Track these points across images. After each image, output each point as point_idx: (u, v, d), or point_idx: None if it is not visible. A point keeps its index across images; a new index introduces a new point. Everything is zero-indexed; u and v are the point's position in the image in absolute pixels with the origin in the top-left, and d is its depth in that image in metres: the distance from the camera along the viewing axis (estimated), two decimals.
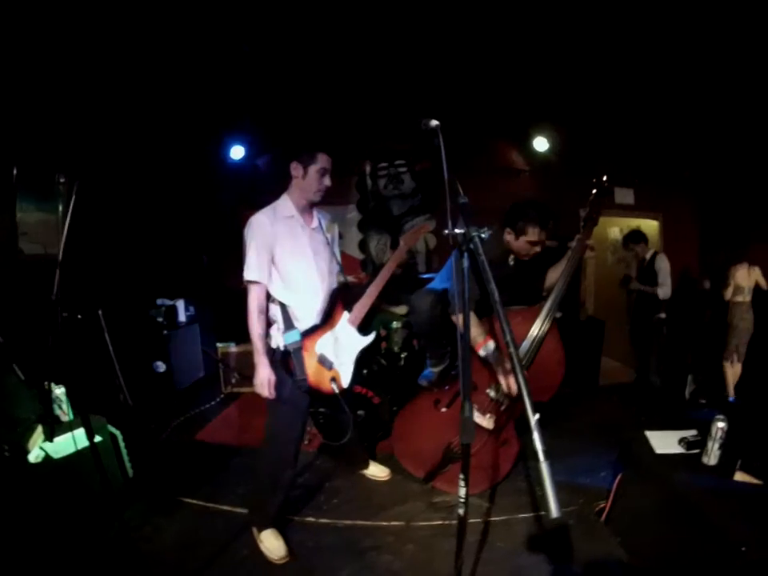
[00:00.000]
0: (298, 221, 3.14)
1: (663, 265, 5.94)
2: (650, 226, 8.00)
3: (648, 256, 6.14)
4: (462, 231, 1.70)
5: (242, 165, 7.39)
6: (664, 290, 5.88)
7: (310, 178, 3.06)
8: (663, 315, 6.03)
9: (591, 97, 6.51)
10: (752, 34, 4.87)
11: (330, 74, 6.04)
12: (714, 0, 4.50)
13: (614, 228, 8.11)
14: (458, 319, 3.50)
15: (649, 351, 6.20)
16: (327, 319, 3.24)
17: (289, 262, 3.08)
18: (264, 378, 2.97)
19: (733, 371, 5.86)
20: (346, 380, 3.31)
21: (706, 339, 6.47)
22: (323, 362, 3.17)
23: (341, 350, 3.29)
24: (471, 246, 1.67)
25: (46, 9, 4.14)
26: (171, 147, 6.51)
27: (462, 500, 1.97)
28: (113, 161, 5.70)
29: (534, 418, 1.27)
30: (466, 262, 1.72)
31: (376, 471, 4.14)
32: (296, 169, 3.08)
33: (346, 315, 3.35)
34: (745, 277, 5.83)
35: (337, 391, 3.18)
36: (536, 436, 1.25)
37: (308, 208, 3.21)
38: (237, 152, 7.26)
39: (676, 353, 7.28)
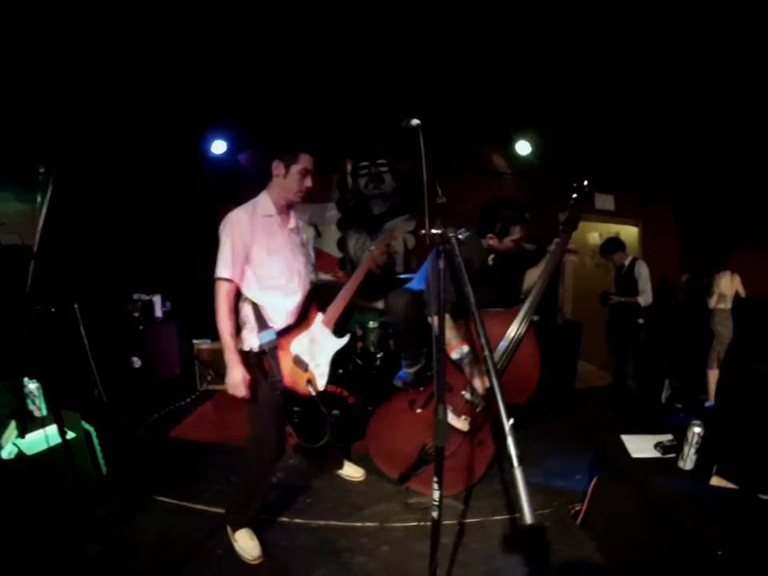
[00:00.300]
0: (276, 220, 3.10)
1: (643, 271, 5.96)
2: (629, 232, 8.07)
3: (627, 262, 6.15)
4: (440, 232, 1.68)
5: (224, 160, 7.35)
6: (645, 297, 5.91)
7: (291, 178, 3.03)
8: (641, 321, 6.06)
9: (574, 102, 6.54)
10: (730, 44, 4.94)
11: (315, 72, 6.01)
12: (691, 12, 4.53)
13: (594, 233, 8.16)
14: (434, 320, 3.52)
15: (626, 356, 6.22)
16: (302, 320, 3.21)
17: (265, 261, 3.02)
18: (238, 378, 2.92)
19: (714, 377, 5.88)
20: (321, 382, 3.25)
21: (684, 345, 6.49)
22: (299, 363, 3.13)
23: (316, 351, 3.25)
24: (448, 246, 1.65)
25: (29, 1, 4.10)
26: (152, 140, 6.46)
27: (436, 503, 1.95)
28: (93, 152, 5.65)
29: (508, 423, 1.24)
30: (441, 263, 1.71)
31: (351, 472, 4.10)
32: (277, 167, 3.04)
33: (320, 316, 3.33)
34: (728, 284, 5.89)
35: (313, 393, 3.14)
36: (510, 441, 1.23)
37: (286, 208, 3.18)
38: (218, 147, 7.21)
39: (653, 358, 7.34)
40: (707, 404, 5.90)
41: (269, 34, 5.20)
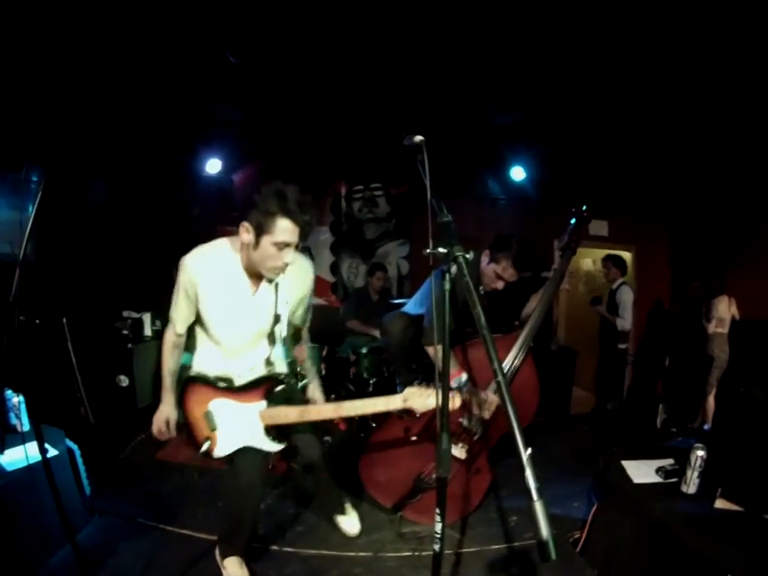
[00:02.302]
0: (240, 280, 2.64)
1: (626, 297, 6.20)
2: (623, 257, 8.01)
3: (615, 286, 6.31)
4: (446, 251, 1.59)
5: (218, 179, 7.31)
6: (621, 323, 6.14)
7: (262, 251, 2.43)
8: (625, 346, 6.30)
9: (568, 129, 6.56)
10: (721, 68, 4.96)
11: (310, 93, 6.00)
12: (683, 37, 4.55)
13: (587, 259, 8.16)
14: (431, 351, 3.47)
15: (610, 380, 6.45)
16: (240, 391, 2.77)
17: (215, 318, 2.67)
18: (163, 415, 2.79)
19: (713, 401, 5.84)
20: (220, 451, 2.76)
21: (678, 369, 6.46)
22: (208, 419, 2.75)
23: (236, 426, 2.76)
24: (454, 267, 1.58)
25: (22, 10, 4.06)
26: (146, 157, 6.42)
27: (438, 535, 1.86)
28: (86, 167, 5.64)
29: (526, 454, 1.17)
30: (448, 285, 1.64)
31: (347, 525, 3.56)
32: (246, 232, 2.44)
33: (262, 405, 2.73)
34: (726, 309, 5.90)
35: (204, 450, 2.73)
36: (528, 473, 1.15)
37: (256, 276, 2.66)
38: (213, 166, 7.14)
39: (646, 382, 7.33)
40: (705, 427, 5.87)
41: (265, 55, 5.18)
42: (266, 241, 2.38)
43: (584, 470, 4.48)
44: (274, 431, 2.74)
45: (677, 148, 6.79)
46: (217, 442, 2.75)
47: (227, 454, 2.76)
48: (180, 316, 2.70)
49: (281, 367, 2.91)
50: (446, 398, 1.72)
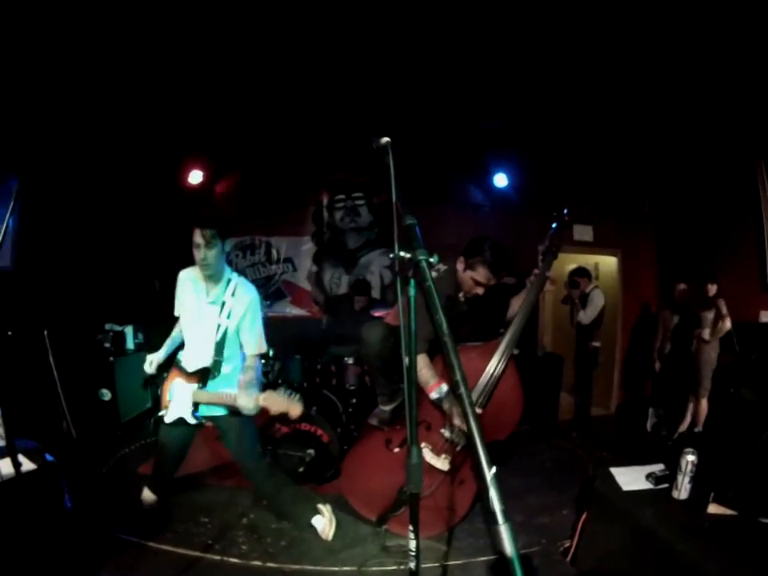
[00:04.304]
0: (201, 288, 3.40)
1: (596, 298, 6.36)
2: (608, 262, 8.07)
3: (588, 289, 6.40)
4: (408, 255, 1.53)
5: (200, 189, 7.24)
6: (581, 315, 6.35)
7: (194, 253, 3.24)
8: (597, 344, 6.40)
9: (551, 134, 6.55)
10: (703, 71, 4.98)
11: (292, 103, 5.99)
12: (662, 40, 4.54)
13: (573, 264, 8.13)
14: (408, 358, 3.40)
15: (586, 378, 6.47)
16: (186, 374, 3.44)
17: (181, 312, 3.55)
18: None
19: (705, 405, 5.81)
20: (168, 417, 3.42)
21: (667, 372, 6.45)
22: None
23: (177, 401, 3.42)
24: (418, 272, 1.51)
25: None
26: (127, 167, 6.35)
27: (413, 552, 1.78)
28: (67, 178, 5.56)
29: (489, 473, 1.09)
30: (412, 290, 1.57)
31: (321, 524, 3.65)
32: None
33: (193, 387, 3.37)
34: (720, 314, 5.82)
35: (160, 414, 3.48)
36: (493, 493, 1.07)
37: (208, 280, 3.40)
38: (195, 176, 7.10)
39: (635, 385, 7.31)
40: (697, 430, 5.84)
41: (247, 62, 5.17)
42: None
43: (572, 478, 4.45)
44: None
45: (661, 151, 6.79)
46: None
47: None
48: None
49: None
50: (413, 409, 1.66)
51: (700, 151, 6.49)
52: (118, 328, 6.10)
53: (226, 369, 3.42)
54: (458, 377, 1.17)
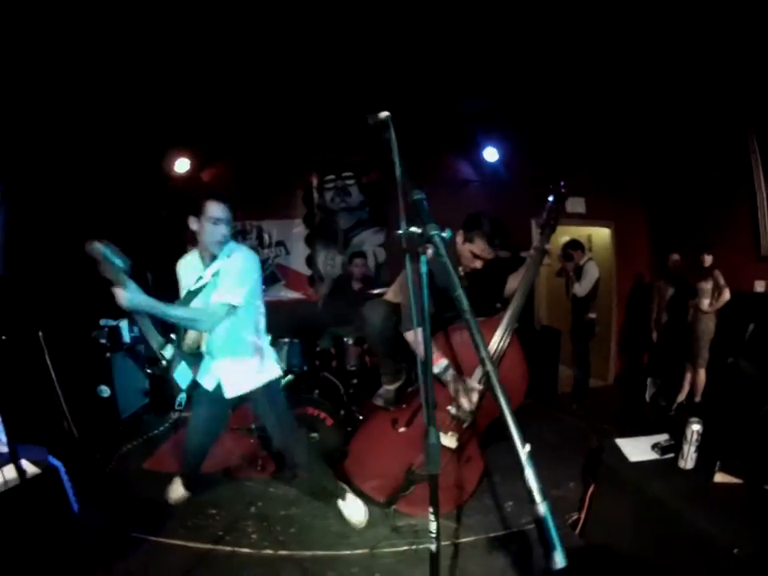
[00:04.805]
0: (202, 270, 3.26)
1: (591, 270, 6.35)
2: (602, 234, 8.06)
3: (582, 262, 6.38)
4: (419, 231, 1.49)
5: (187, 178, 7.17)
6: (576, 288, 6.36)
7: (205, 230, 3.10)
8: (593, 315, 6.39)
9: (542, 106, 6.50)
10: (695, 43, 4.95)
11: (277, 85, 5.91)
12: (659, 12, 4.51)
13: (566, 237, 8.11)
14: (410, 337, 3.39)
15: (583, 349, 6.50)
16: None
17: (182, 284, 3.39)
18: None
19: (704, 375, 5.84)
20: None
21: (664, 342, 6.49)
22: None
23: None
24: (428, 248, 1.47)
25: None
26: (115, 159, 6.25)
27: (434, 534, 1.75)
28: (53, 173, 5.46)
29: (524, 450, 1.05)
30: (424, 267, 1.53)
31: (352, 512, 3.57)
32: (193, 224, 3.13)
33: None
34: (716, 285, 5.81)
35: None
36: (529, 472, 1.03)
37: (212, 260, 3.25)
38: (181, 165, 7.03)
39: (632, 356, 7.34)
40: (696, 400, 5.88)
41: (232, 46, 5.10)
42: (203, 220, 3.08)
43: (576, 450, 4.45)
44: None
45: (652, 122, 6.75)
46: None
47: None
48: None
49: None
50: (430, 389, 1.62)
51: (692, 122, 6.46)
52: (113, 323, 6.02)
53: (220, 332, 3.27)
54: (483, 354, 1.13)
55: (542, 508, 1.01)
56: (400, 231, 1.56)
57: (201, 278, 3.22)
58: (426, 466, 3.12)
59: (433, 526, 1.74)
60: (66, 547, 3.02)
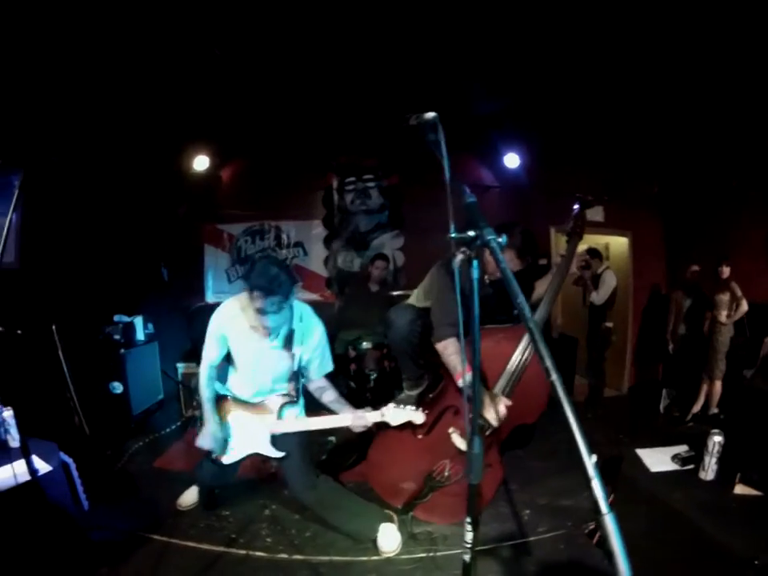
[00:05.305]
0: (256, 331, 3.17)
1: (608, 279, 6.40)
2: (619, 242, 8.03)
3: (600, 270, 6.42)
4: (475, 234, 1.44)
5: (205, 175, 7.19)
6: (594, 296, 6.42)
7: (255, 309, 3.01)
8: (610, 324, 6.48)
9: (562, 113, 6.47)
10: (714, 50, 4.89)
11: (297, 86, 5.90)
12: (678, 15, 4.46)
13: (583, 245, 8.10)
14: (441, 347, 3.36)
15: (598, 358, 6.54)
16: (252, 405, 3.35)
17: (236, 352, 3.31)
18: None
19: (719, 387, 5.82)
20: (228, 459, 3.35)
21: (679, 353, 6.46)
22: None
23: (244, 436, 3.35)
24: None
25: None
26: (132, 155, 6.27)
27: (469, 545, 1.73)
28: (71, 166, 5.45)
29: (591, 461, 1.03)
30: (476, 272, 1.50)
31: (385, 539, 3.36)
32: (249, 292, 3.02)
33: (270, 418, 3.31)
34: (733, 297, 5.79)
35: (213, 457, 3.34)
36: (595, 483, 1.01)
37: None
38: (201, 163, 7.03)
39: (646, 367, 7.29)
40: (713, 412, 5.85)
41: (253, 47, 5.10)
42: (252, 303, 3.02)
43: None
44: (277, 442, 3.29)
45: (671, 130, 6.71)
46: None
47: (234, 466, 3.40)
48: (209, 355, 3.36)
49: None
50: (477, 397, 1.59)
51: (710, 131, 6.42)
52: (127, 319, 6.02)
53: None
54: (548, 364, 1.10)
55: (608, 519, 0.97)
56: (452, 235, 1.51)
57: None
58: (446, 472, 3.13)
59: (469, 536, 1.72)
60: (74, 544, 3.02)
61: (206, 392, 3.29)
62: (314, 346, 3.31)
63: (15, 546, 2.74)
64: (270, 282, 2.88)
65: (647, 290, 7.75)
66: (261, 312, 2.94)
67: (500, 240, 1.38)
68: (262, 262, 3.08)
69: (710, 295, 5.91)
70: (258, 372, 3.29)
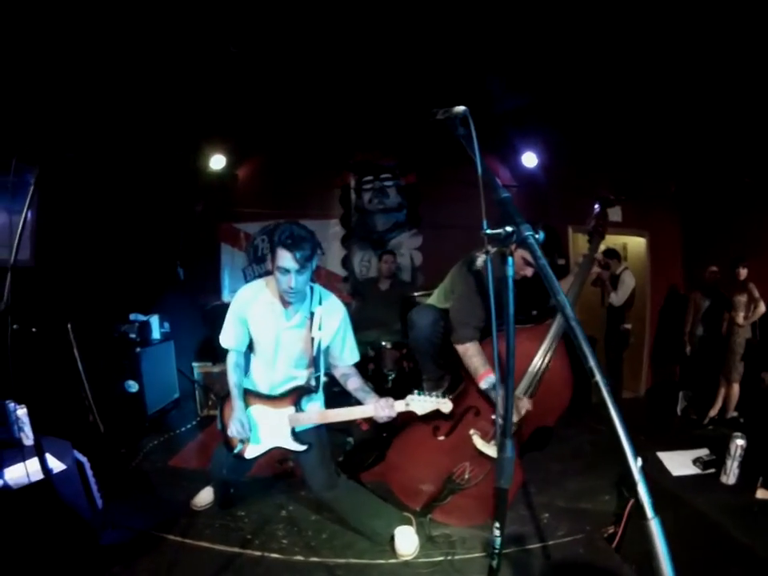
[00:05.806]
0: (276, 309, 3.17)
1: (627, 279, 6.56)
2: (637, 242, 7.96)
3: (618, 271, 6.50)
4: (511, 230, 1.39)
5: (221, 174, 7.20)
6: (613, 297, 6.55)
7: (276, 275, 3.00)
8: (628, 326, 6.65)
9: (581, 113, 6.44)
10: (731, 51, 4.87)
11: (314, 84, 5.90)
12: (693, 15, 4.43)
13: (601, 245, 8.07)
14: (462, 350, 3.33)
15: (616, 359, 6.63)
16: (272, 398, 3.28)
17: (256, 334, 3.24)
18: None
19: (737, 390, 5.77)
20: (251, 453, 3.29)
21: (697, 355, 6.41)
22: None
23: (265, 430, 3.29)
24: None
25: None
26: (148, 154, 6.26)
27: (496, 550, 1.69)
28: (87, 166, 5.45)
29: (637, 465, 0.99)
30: (510, 270, 1.45)
31: (401, 545, 3.29)
32: (271, 261, 3.03)
33: (290, 410, 3.23)
34: (752, 298, 5.75)
35: (236, 452, 3.27)
36: (641, 488, 0.97)
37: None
38: (217, 162, 7.04)
39: (663, 369, 7.23)
40: (732, 415, 5.82)
41: (268, 47, 5.11)
42: (274, 267, 2.95)
43: (611, 461, 4.33)
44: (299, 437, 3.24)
45: (688, 129, 6.66)
46: (248, 446, 3.26)
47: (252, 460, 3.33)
48: (231, 341, 3.36)
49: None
50: (510, 399, 1.55)
51: (728, 129, 6.35)
52: (142, 318, 6.02)
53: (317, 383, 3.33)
54: (592, 363, 1.06)
55: (654, 524, 0.94)
56: (487, 231, 1.47)
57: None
58: (466, 474, 3.09)
59: (498, 542, 1.68)
60: (86, 544, 3.01)
61: (232, 377, 3.28)
62: (334, 330, 3.25)
63: (28, 544, 2.72)
64: (294, 236, 2.87)
65: (664, 291, 7.68)
66: (283, 272, 2.90)
67: (537, 236, 1.34)
68: (285, 223, 3.03)
69: (728, 296, 5.86)
70: (277, 355, 3.22)
